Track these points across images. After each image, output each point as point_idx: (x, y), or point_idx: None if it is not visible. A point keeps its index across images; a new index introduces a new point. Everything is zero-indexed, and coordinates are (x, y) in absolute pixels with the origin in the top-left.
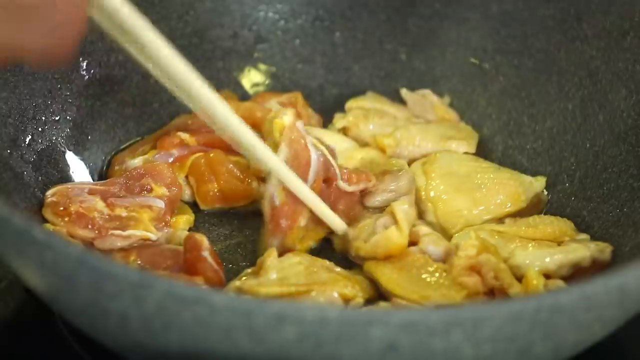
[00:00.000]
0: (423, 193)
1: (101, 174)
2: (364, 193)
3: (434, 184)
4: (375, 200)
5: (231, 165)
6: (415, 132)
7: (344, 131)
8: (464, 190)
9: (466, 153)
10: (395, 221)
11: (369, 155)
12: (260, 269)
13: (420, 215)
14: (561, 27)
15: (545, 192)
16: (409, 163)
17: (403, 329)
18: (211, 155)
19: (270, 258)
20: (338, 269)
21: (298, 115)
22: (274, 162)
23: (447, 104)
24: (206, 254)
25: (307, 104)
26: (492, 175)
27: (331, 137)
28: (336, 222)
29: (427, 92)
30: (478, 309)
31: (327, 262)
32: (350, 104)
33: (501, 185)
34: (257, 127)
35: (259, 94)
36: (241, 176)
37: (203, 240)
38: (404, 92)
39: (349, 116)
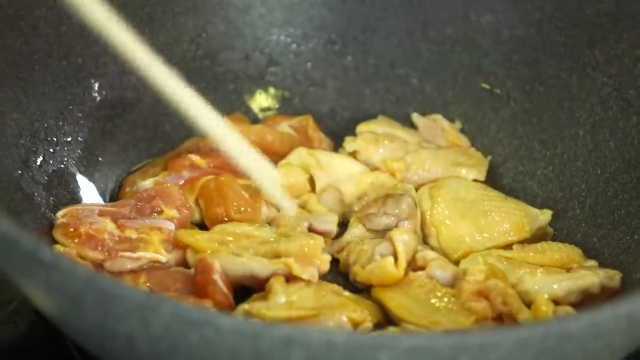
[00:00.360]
0: (428, 217)
1: (112, 195)
2: (365, 215)
3: (439, 208)
4: (376, 223)
5: (240, 189)
6: (425, 156)
7: (354, 155)
8: (469, 216)
9: (475, 180)
10: (394, 250)
11: (378, 179)
12: (268, 292)
13: (424, 239)
14: (573, 54)
15: (550, 227)
16: (418, 188)
17: (410, 354)
18: (221, 178)
19: (279, 282)
20: (347, 293)
21: (310, 142)
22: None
23: (457, 129)
24: (217, 277)
25: (317, 127)
26: (498, 204)
27: (341, 161)
28: (282, 200)
29: (438, 117)
30: (485, 334)
31: (335, 286)
32: (361, 127)
33: (507, 214)
34: (267, 150)
35: (269, 117)
36: (250, 200)
37: (214, 263)
38: (415, 116)
39: (360, 140)
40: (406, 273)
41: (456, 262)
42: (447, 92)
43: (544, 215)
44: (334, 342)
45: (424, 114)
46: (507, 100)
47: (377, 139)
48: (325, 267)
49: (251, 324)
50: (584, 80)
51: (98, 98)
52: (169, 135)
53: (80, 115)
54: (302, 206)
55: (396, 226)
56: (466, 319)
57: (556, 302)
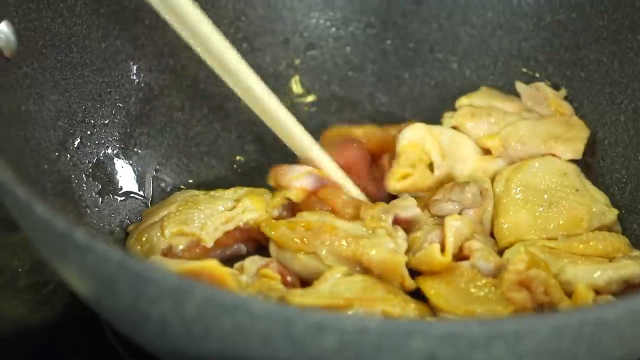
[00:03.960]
0: (497, 201)
1: (148, 179)
2: (430, 201)
3: (508, 194)
4: (439, 209)
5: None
6: (523, 128)
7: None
8: (531, 205)
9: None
10: (443, 236)
11: (492, 165)
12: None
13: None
14: (615, 38)
15: (619, 227)
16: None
17: (444, 340)
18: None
19: (334, 272)
20: (400, 292)
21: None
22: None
23: (562, 97)
24: None
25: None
26: (566, 196)
27: (460, 140)
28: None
29: (541, 84)
30: (520, 321)
31: (393, 287)
32: (461, 101)
33: (569, 208)
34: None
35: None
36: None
37: None
38: (519, 85)
39: (457, 116)
40: (454, 261)
41: (502, 250)
42: (487, 76)
43: (611, 214)
44: (367, 328)
45: None
46: (547, 85)
47: (475, 113)
48: (410, 286)
49: (283, 309)
50: (625, 65)
51: (136, 80)
52: (206, 118)
53: (117, 97)
54: None
55: (459, 213)
56: (504, 308)
57: (598, 291)
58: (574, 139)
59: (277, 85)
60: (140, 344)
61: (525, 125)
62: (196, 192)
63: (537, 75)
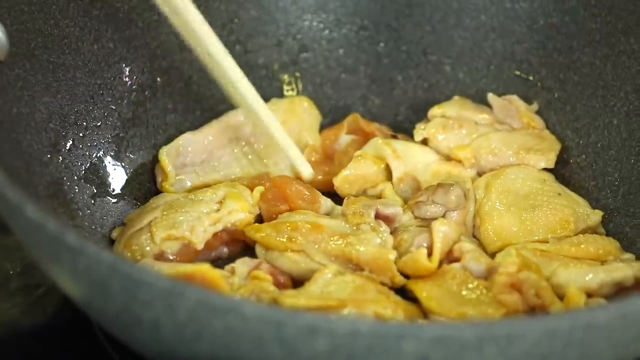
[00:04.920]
0: (478, 207)
1: (140, 182)
2: (415, 203)
3: (490, 199)
4: (424, 211)
5: (299, 185)
6: (495, 140)
7: (424, 142)
8: (516, 209)
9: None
10: (431, 241)
11: (455, 169)
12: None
13: (474, 230)
14: (608, 41)
15: (603, 229)
16: (482, 174)
17: (436, 343)
18: (278, 179)
19: (325, 272)
20: (392, 293)
21: (367, 133)
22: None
23: (533, 111)
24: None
25: (367, 120)
26: (549, 200)
27: (418, 150)
28: (301, 165)
29: (514, 97)
30: (512, 324)
31: (384, 287)
32: (434, 110)
33: (554, 211)
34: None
35: (322, 133)
36: (309, 193)
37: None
38: (491, 96)
39: (429, 127)
40: (442, 264)
41: (493, 255)
42: (480, 79)
43: (595, 216)
44: (359, 330)
45: None
46: (540, 88)
47: (446, 125)
48: (400, 282)
49: (275, 312)
50: (618, 68)
51: (128, 82)
52: (198, 120)
53: (110, 99)
54: (378, 195)
55: (443, 216)
56: (496, 311)
57: (589, 294)
58: (545, 150)
59: (270, 87)
60: (132, 346)
61: (497, 137)
62: (175, 195)
63: (531, 78)
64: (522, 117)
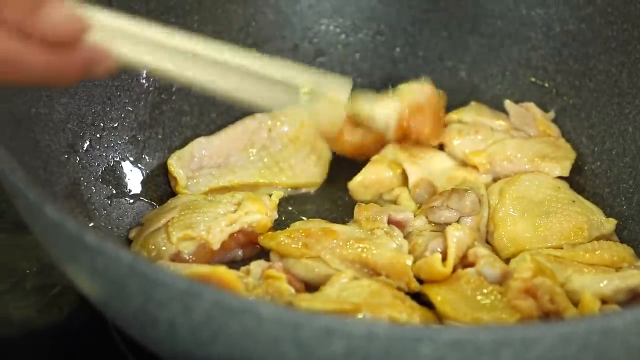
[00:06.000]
0: (492, 212)
1: (157, 183)
2: (429, 207)
3: (504, 205)
4: (438, 216)
5: None
6: (510, 147)
7: (441, 148)
8: (529, 216)
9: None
10: (445, 246)
11: (471, 176)
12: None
13: (488, 235)
14: (624, 49)
15: (617, 237)
16: (497, 180)
17: (452, 347)
18: None
19: (341, 276)
20: (408, 298)
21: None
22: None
23: (550, 119)
24: None
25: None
26: (563, 207)
27: (434, 156)
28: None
29: (531, 105)
30: (528, 329)
31: (400, 292)
32: (451, 116)
33: (568, 218)
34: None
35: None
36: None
37: None
38: (508, 103)
39: (445, 133)
40: (456, 269)
41: (506, 261)
42: (496, 85)
43: (609, 224)
44: (376, 333)
45: None
46: (556, 95)
47: (462, 130)
48: (416, 287)
49: (291, 313)
50: (634, 76)
51: (145, 84)
52: (214, 123)
53: (127, 101)
54: (394, 200)
55: (457, 221)
56: (510, 317)
57: (604, 301)
58: (561, 159)
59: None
60: (148, 346)
61: (512, 144)
62: (193, 196)
63: (546, 85)
64: (538, 125)
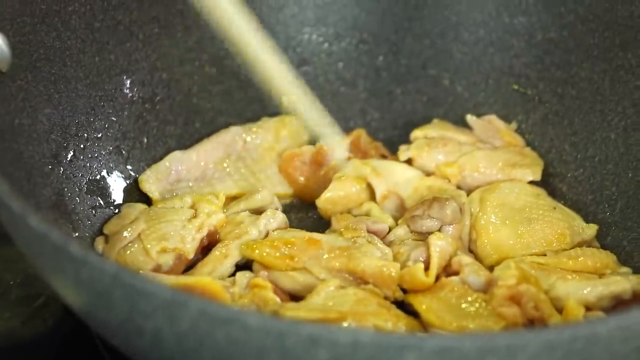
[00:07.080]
0: (474, 221)
1: (141, 193)
2: (410, 217)
3: (485, 213)
4: (419, 225)
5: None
6: (479, 158)
7: (409, 162)
8: (511, 223)
9: (532, 182)
10: (428, 255)
11: (436, 183)
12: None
13: (470, 243)
14: (606, 56)
15: (597, 243)
16: (474, 190)
17: (437, 354)
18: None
19: (327, 285)
20: (393, 307)
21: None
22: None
23: (513, 130)
24: None
25: (370, 138)
26: (544, 213)
27: (396, 167)
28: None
29: (493, 117)
30: (513, 336)
31: (385, 301)
32: (416, 133)
33: (550, 224)
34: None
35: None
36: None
37: None
38: (470, 117)
39: (413, 147)
40: (440, 278)
41: (490, 268)
42: (479, 93)
43: (590, 230)
44: (361, 341)
45: (454, 114)
46: (538, 102)
47: (430, 144)
48: (400, 297)
49: (277, 322)
50: (616, 83)
51: (129, 95)
52: (199, 133)
53: (111, 111)
54: (366, 214)
55: (439, 230)
56: (496, 324)
57: (588, 307)
58: (531, 165)
59: (270, 100)
60: (133, 357)
61: (481, 155)
62: (141, 205)
63: (529, 92)
64: (503, 136)
